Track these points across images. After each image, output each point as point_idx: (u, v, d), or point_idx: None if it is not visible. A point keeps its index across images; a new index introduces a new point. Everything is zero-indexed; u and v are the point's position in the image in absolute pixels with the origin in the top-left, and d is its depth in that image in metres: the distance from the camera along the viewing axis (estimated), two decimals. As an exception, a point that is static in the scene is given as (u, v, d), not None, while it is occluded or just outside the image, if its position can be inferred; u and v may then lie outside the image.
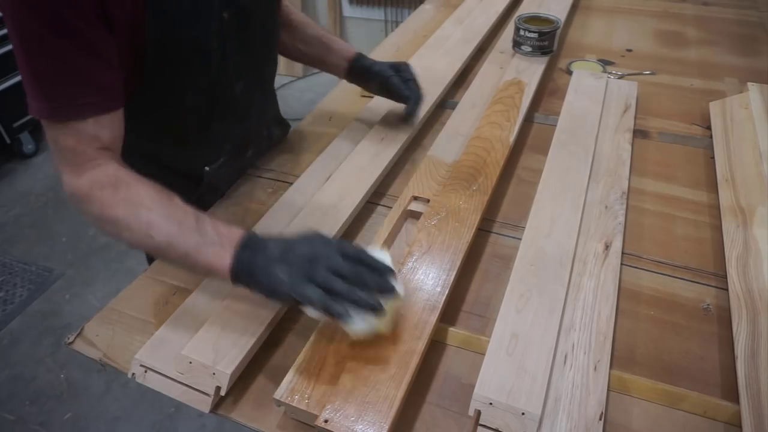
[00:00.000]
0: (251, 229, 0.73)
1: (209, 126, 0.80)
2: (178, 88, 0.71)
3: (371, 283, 0.53)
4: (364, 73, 0.93)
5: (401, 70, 0.92)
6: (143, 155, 0.79)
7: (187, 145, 0.81)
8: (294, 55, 0.96)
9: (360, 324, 0.52)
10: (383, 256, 0.57)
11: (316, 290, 0.52)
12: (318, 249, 0.55)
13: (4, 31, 2.34)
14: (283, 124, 1.02)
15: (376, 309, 0.52)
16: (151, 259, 0.86)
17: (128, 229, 0.59)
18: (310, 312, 0.53)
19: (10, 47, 2.36)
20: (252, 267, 0.55)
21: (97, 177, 0.61)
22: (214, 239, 0.57)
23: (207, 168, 0.83)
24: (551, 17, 1.18)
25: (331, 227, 0.74)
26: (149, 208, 0.58)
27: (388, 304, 0.54)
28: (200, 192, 0.84)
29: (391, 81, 0.90)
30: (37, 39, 0.55)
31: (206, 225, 0.59)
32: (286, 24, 0.91)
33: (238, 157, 0.89)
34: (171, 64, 0.68)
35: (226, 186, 0.89)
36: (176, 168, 0.83)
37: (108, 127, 0.62)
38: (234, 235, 0.58)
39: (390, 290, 0.54)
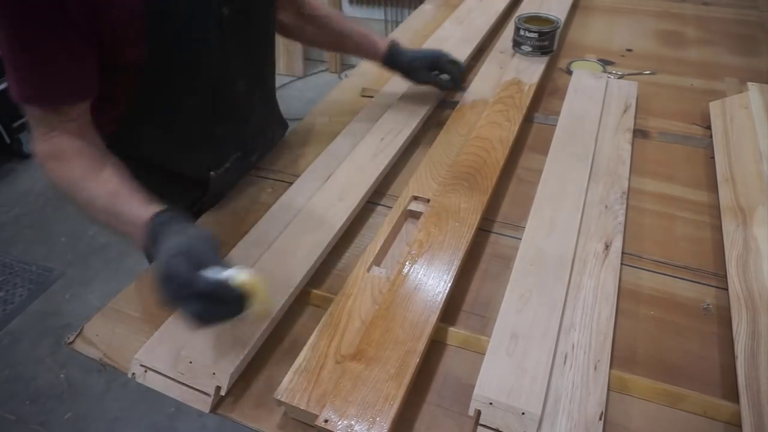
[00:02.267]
0: (255, 225, 0.74)
1: (212, 128, 0.80)
2: (178, 89, 0.71)
3: (218, 315, 0.51)
4: (400, 71, 0.99)
5: (439, 65, 0.98)
6: (147, 162, 0.78)
7: (191, 149, 0.81)
8: (327, 48, 1.02)
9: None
10: (234, 274, 0.51)
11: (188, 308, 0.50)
12: (171, 277, 0.50)
13: (4, 31, 2.34)
14: (284, 125, 1.02)
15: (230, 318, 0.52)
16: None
17: (72, 200, 0.64)
18: None
19: (10, 47, 2.36)
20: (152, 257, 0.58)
21: (50, 148, 0.64)
22: (130, 219, 0.60)
23: (212, 173, 0.83)
24: (551, 17, 1.18)
25: (331, 227, 0.74)
26: (82, 187, 0.63)
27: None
28: (206, 197, 0.84)
29: (430, 80, 0.99)
30: (12, 28, 0.57)
31: (123, 207, 0.61)
32: (312, 19, 0.94)
33: (242, 161, 0.89)
34: (170, 64, 0.68)
35: (229, 189, 0.88)
36: (181, 174, 0.82)
37: (77, 107, 0.64)
38: (143, 218, 0.58)
39: (236, 313, 0.51)
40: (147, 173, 0.76)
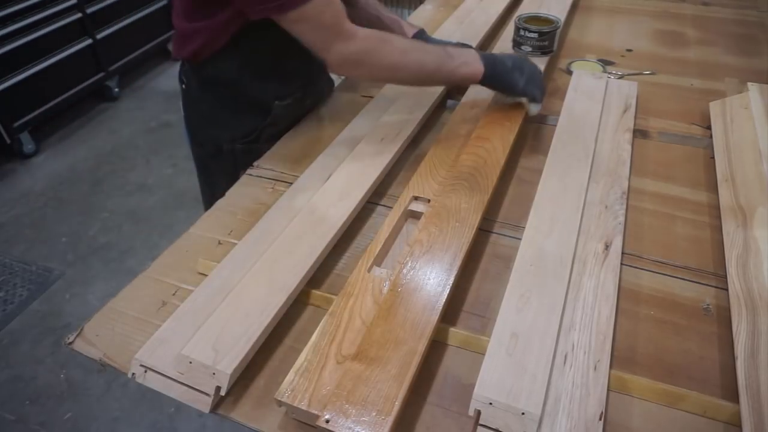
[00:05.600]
0: (256, 224, 0.76)
1: (285, 63, 0.93)
2: (270, 24, 0.80)
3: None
4: None
5: None
6: (224, 85, 0.94)
7: (264, 79, 0.94)
8: None
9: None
10: None
11: (536, 90, 0.92)
12: (533, 69, 0.93)
13: (5, 31, 2.35)
14: (331, 82, 1.15)
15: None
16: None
17: (405, 69, 0.84)
18: (530, 106, 0.94)
19: (10, 47, 2.36)
20: (495, 74, 0.89)
21: (366, 36, 0.81)
22: (464, 60, 0.87)
23: (277, 102, 0.97)
24: (551, 17, 1.18)
25: (331, 227, 0.74)
26: (414, 50, 0.85)
27: None
28: (266, 123, 0.98)
29: None
30: None
31: (453, 52, 0.88)
32: (351, 2, 1.03)
33: (299, 102, 1.02)
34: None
35: (285, 125, 1.01)
36: (252, 100, 0.95)
37: (342, 3, 0.78)
38: (474, 54, 0.89)
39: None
40: (221, 96, 0.96)
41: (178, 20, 0.90)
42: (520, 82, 0.89)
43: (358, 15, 1.03)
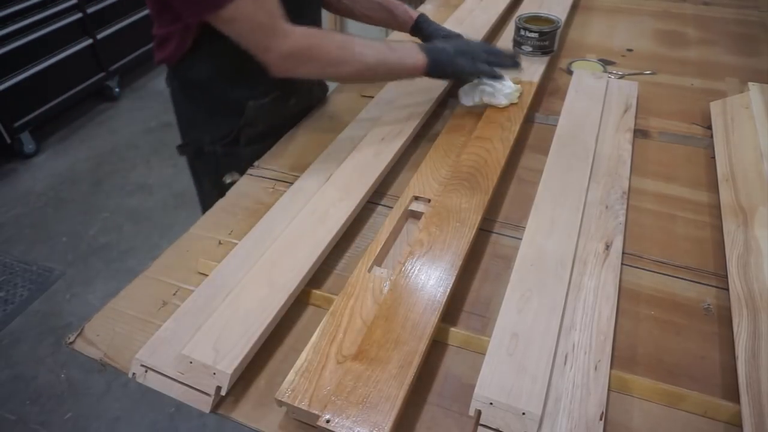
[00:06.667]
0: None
1: (257, 65, 0.85)
2: None
3: (508, 63, 0.97)
4: (423, 36, 1.10)
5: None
6: (199, 86, 0.94)
7: (238, 80, 0.93)
8: (361, 20, 1.10)
9: (503, 99, 0.97)
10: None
11: (484, 66, 0.94)
12: (476, 46, 0.96)
13: (5, 31, 2.35)
14: (323, 86, 1.13)
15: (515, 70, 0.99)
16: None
17: (346, 63, 0.83)
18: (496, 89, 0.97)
19: (10, 47, 2.36)
20: (440, 64, 0.89)
21: (303, 34, 0.79)
22: (405, 52, 0.87)
23: (250, 102, 0.94)
24: (552, 17, 1.18)
25: (331, 227, 0.74)
26: (353, 44, 0.83)
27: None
28: (241, 124, 0.96)
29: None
30: None
31: (395, 45, 0.87)
32: None
33: (281, 102, 1.00)
34: None
35: (264, 126, 0.98)
36: (224, 99, 0.94)
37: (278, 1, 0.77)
38: (415, 47, 0.88)
39: (517, 66, 0.99)
40: (196, 98, 0.97)
41: (153, 26, 0.89)
42: (466, 66, 0.91)
43: (358, 3, 1.04)
